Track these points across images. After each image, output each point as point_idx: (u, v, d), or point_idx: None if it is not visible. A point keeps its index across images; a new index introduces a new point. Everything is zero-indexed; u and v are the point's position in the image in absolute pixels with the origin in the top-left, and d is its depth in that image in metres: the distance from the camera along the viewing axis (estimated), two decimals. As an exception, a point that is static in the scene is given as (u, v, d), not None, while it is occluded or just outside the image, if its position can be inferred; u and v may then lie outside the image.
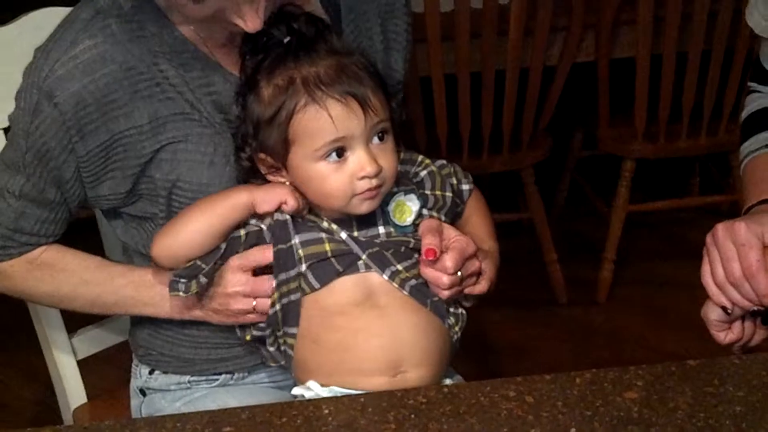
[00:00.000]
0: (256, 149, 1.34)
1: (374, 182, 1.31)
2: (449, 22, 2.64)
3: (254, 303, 1.37)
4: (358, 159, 1.30)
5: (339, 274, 1.34)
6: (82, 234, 1.68)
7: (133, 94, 1.36)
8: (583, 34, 2.84)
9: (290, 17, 1.33)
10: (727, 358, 1.23)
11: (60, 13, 1.43)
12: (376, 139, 1.31)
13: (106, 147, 1.37)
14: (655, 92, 2.88)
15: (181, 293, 1.35)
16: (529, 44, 2.76)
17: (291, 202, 1.33)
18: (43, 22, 1.45)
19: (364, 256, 1.35)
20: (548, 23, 2.73)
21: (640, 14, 2.76)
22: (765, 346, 1.38)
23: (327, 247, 1.35)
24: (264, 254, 1.36)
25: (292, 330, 1.37)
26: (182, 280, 1.34)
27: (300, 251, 1.35)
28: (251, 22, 1.30)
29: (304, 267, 1.34)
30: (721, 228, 1.32)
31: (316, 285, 1.34)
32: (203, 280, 1.34)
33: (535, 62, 2.80)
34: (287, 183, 1.35)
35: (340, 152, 1.30)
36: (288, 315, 1.36)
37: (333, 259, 1.34)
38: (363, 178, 1.30)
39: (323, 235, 1.35)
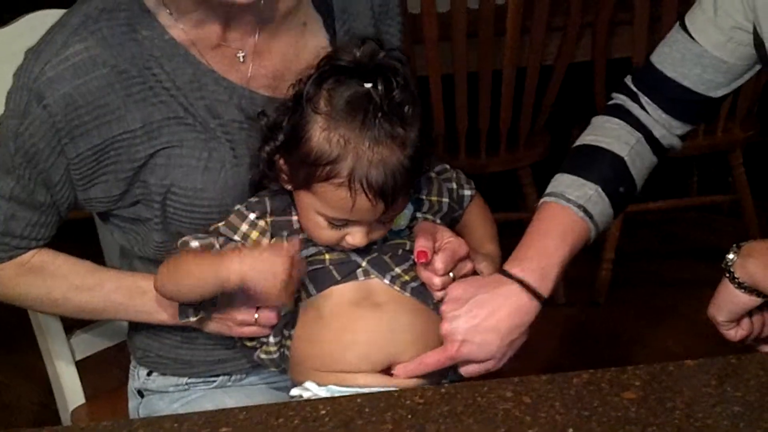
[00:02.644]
0: (280, 151, 1.34)
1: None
2: (446, 22, 2.64)
3: (257, 315, 1.38)
4: (353, 233, 1.33)
5: (337, 282, 1.35)
6: (79, 236, 1.68)
7: (126, 98, 1.35)
8: (580, 33, 2.83)
9: (387, 70, 1.29)
10: (725, 358, 1.23)
11: (57, 15, 1.42)
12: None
13: (98, 151, 1.36)
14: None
15: (191, 318, 1.37)
16: (526, 44, 2.76)
17: (282, 299, 1.32)
18: (41, 24, 1.44)
19: (363, 263, 1.36)
20: (545, 23, 2.73)
21: (636, 14, 2.76)
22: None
23: (326, 257, 1.36)
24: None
25: (291, 332, 1.37)
26: (190, 308, 1.36)
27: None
28: None
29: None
30: None
31: (313, 292, 1.35)
32: (210, 306, 1.37)
33: (532, 62, 2.79)
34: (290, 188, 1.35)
35: (343, 224, 1.32)
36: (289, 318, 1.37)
37: (331, 267, 1.35)
38: (351, 244, 1.33)
39: (322, 247, 1.36)
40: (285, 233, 1.36)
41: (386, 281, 1.35)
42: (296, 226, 1.37)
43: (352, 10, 1.49)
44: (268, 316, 1.37)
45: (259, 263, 1.27)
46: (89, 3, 1.36)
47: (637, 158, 1.48)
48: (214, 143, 1.38)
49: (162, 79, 1.36)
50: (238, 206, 1.38)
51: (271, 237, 1.36)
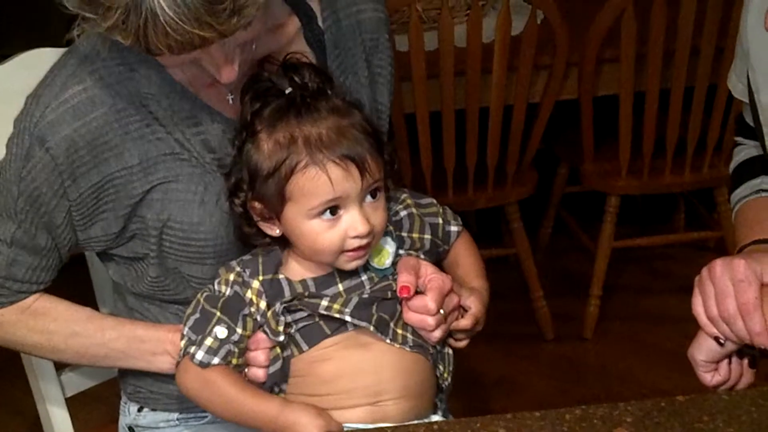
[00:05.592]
0: (250, 197, 1.35)
1: (364, 241, 1.33)
2: (434, 60, 2.66)
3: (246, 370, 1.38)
4: (351, 219, 1.32)
5: (327, 336, 1.35)
6: (71, 269, 1.68)
7: (124, 136, 1.36)
8: (566, 71, 2.85)
9: (294, 68, 1.35)
10: (717, 394, 1.23)
11: (51, 54, 1.44)
12: (369, 198, 1.33)
13: (97, 189, 1.38)
14: (638, 129, 2.89)
15: None
16: (512, 82, 2.78)
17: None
18: (35, 62, 1.45)
19: (367, 326, 1.35)
20: (531, 61, 2.75)
21: (622, 52, 2.77)
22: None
23: (315, 316, 1.36)
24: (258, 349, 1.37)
25: (283, 386, 1.38)
26: None
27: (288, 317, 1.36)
28: (226, 75, 1.31)
29: (293, 329, 1.35)
30: (719, 263, 1.31)
31: (305, 348, 1.36)
32: None
33: (519, 99, 2.81)
34: (278, 232, 1.36)
35: (334, 210, 1.31)
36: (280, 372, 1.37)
37: (321, 322, 1.35)
38: (354, 237, 1.32)
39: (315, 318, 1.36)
40: (278, 297, 1.36)
41: (388, 341, 1.35)
42: (285, 285, 1.37)
43: (343, 45, 1.51)
44: (256, 374, 1.37)
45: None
46: (86, 43, 1.37)
47: None
48: (210, 177, 1.40)
49: (159, 116, 1.38)
50: (231, 263, 1.39)
51: (265, 297, 1.36)
